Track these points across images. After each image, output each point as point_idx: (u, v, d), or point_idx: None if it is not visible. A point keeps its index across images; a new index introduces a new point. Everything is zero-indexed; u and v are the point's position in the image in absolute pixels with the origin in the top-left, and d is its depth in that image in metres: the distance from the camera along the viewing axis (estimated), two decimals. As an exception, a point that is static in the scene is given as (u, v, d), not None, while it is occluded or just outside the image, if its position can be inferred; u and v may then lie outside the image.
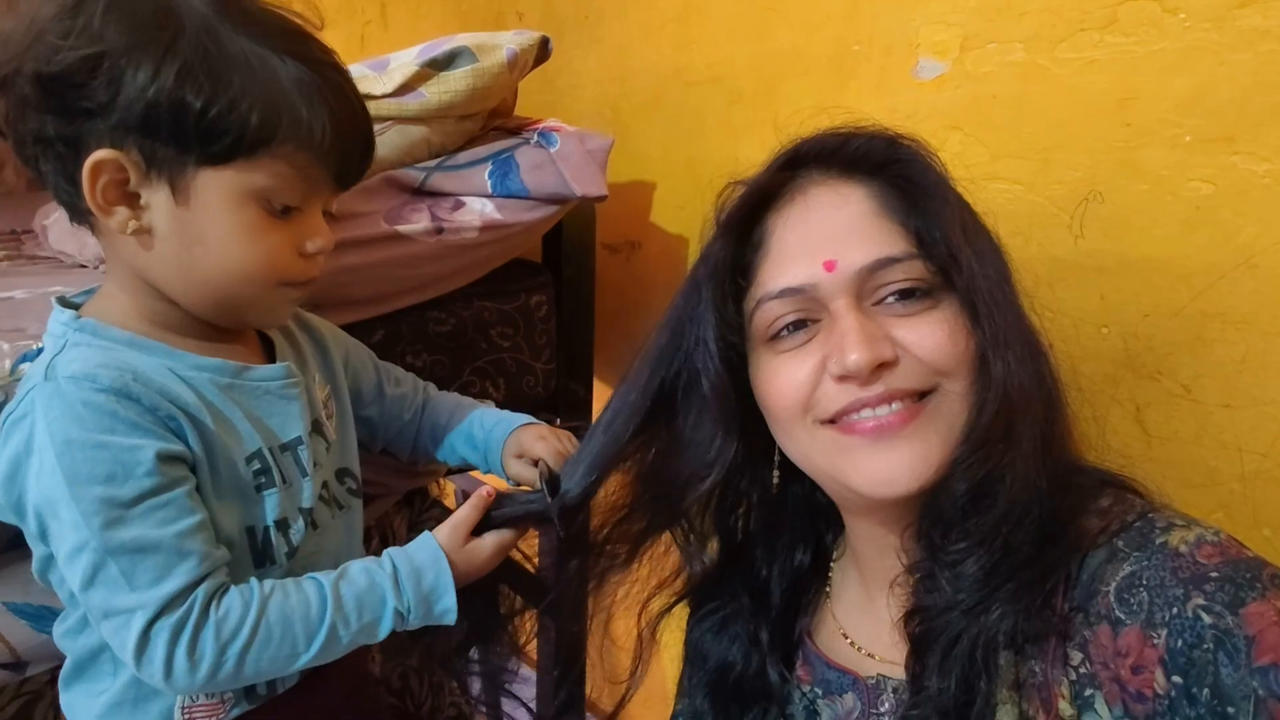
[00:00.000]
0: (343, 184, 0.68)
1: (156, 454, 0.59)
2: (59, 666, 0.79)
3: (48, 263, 1.33)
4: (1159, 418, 0.75)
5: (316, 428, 0.72)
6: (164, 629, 0.58)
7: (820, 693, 0.68)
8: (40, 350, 0.68)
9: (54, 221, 1.50)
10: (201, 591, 0.59)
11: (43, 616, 0.74)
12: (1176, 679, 0.47)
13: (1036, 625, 0.53)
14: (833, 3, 0.98)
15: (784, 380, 0.60)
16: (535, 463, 0.78)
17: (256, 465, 0.66)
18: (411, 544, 0.70)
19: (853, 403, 0.57)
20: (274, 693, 0.68)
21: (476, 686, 0.95)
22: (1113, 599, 0.51)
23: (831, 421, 0.58)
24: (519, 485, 0.79)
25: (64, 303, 0.66)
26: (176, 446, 0.61)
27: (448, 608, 0.68)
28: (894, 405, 0.56)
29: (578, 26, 1.35)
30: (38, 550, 0.65)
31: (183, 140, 0.59)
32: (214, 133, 0.59)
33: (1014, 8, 0.81)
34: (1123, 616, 0.50)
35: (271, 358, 0.72)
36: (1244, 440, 0.71)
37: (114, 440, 0.58)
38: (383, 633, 0.66)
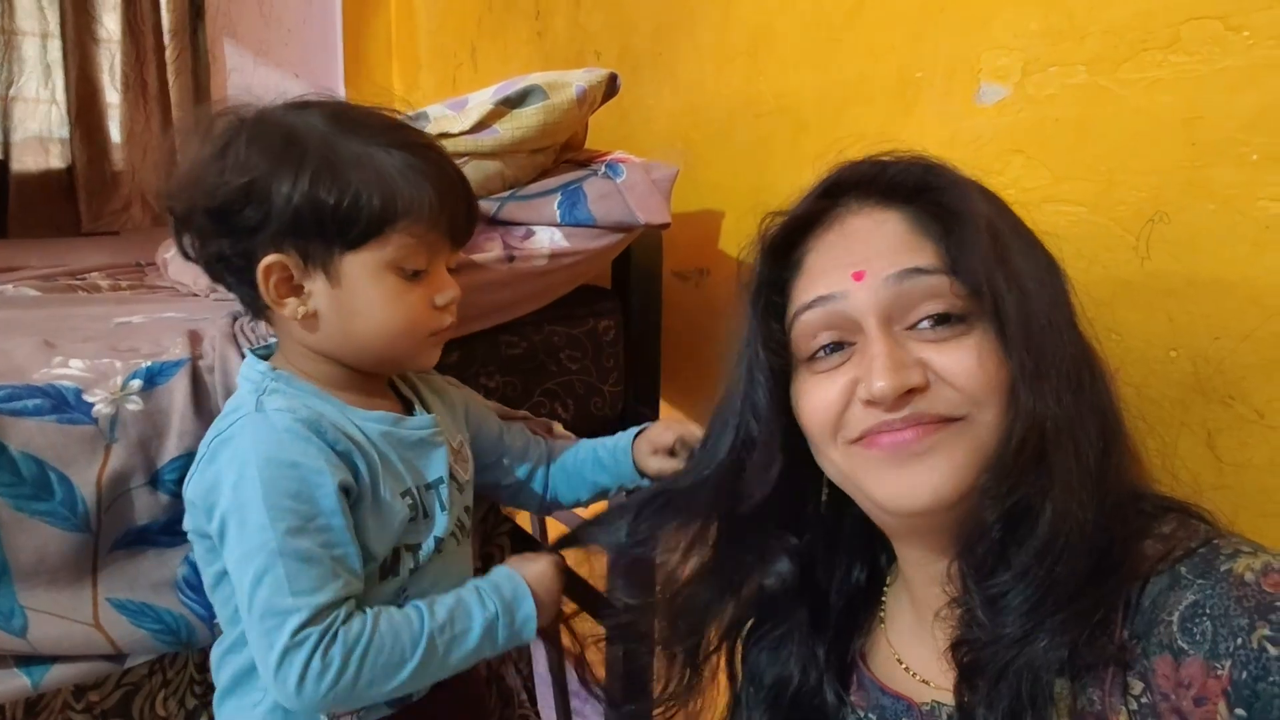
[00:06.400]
0: (456, 243, 0.78)
1: (336, 483, 0.69)
2: (156, 660, 0.85)
3: (165, 291, 1.45)
4: (1231, 444, 0.72)
5: (451, 473, 0.81)
6: (312, 634, 0.66)
7: (875, 719, 0.68)
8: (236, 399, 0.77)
9: (174, 255, 1.63)
10: (343, 610, 0.68)
11: (142, 613, 0.81)
12: (1240, 712, 0.45)
13: (1092, 654, 0.52)
14: (896, 32, 0.99)
15: (816, 400, 0.61)
16: (670, 451, 0.87)
17: (409, 500, 0.75)
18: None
19: (878, 424, 0.57)
20: (407, 702, 0.77)
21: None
22: (1175, 628, 0.50)
23: (858, 440, 0.59)
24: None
25: (256, 354, 0.78)
26: (349, 480, 0.71)
27: (528, 615, 0.77)
28: (918, 430, 0.56)
29: (652, 63, 1.39)
30: (211, 568, 0.74)
31: (325, 233, 0.70)
32: (347, 222, 0.70)
33: (1076, 30, 0.80)
34: (1185, 646, 0.49)
35: (410, 414, 0.81)
36: (1324, 468, 0.68)
37: (305, 463, 0.69)
38: (473, 637, 0.73)
